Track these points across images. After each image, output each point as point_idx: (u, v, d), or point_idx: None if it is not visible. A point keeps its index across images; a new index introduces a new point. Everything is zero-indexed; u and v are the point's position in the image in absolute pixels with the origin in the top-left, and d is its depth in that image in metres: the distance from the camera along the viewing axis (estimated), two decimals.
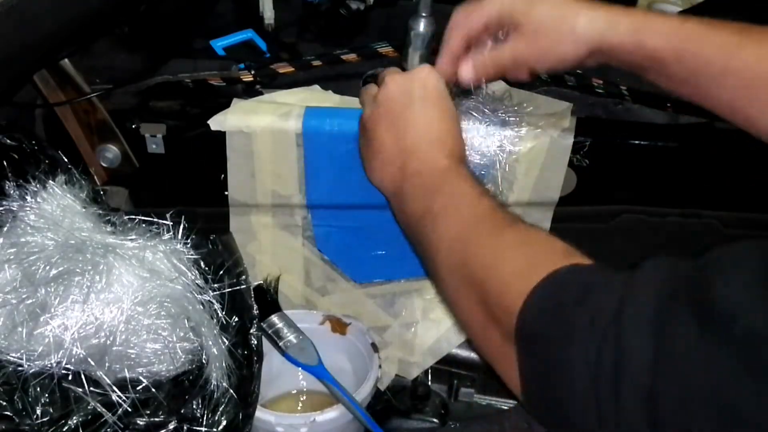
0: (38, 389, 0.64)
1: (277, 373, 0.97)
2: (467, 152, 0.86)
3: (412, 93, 0.75)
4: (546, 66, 0.75)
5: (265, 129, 0.85)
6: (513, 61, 0.75)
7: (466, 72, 0.78)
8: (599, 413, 0.47)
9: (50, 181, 0.73)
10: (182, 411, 0.68)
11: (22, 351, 0.65)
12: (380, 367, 0.91)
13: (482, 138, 0.86)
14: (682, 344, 0.44)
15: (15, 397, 0.64)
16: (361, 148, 0.81)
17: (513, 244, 0.62)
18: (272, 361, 0.92)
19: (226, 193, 0.91)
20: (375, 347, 0.93)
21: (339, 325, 0.96)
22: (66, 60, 0.86)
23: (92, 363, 0.66)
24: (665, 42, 0.68)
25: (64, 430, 0.64)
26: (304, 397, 1.01)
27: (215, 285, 0.73)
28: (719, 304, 0.43)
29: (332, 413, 0.82)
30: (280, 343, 0.89)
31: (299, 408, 1.00)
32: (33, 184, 0.72)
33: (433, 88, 0.76)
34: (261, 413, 0.79)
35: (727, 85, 0.67)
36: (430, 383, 1.06)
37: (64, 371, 0.65)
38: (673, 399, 0.44)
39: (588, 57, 0.72)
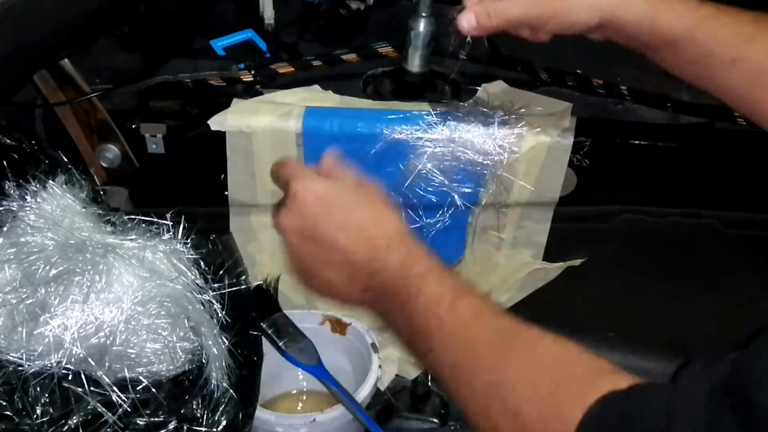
0: (38, 389, 0.64)
1: (278, 373, 0.96)
2: (467, 153, 0.87)
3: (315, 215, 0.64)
4: (554, 29, 0.71)
5: (265, 129, 0.85)
6: (521, 17, 0.70)
7: (467, 20, 0.71)
8: None
9: (50, 181, 0.73)
10: (182, 411, 0.68)
11: (22, 351, 0.65)
12: (380, 367, 0.91)
13: (482, 138, 0.86)
14: None
15: (15, 397, 0.64)
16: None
17: (542, 367, 0.52)
18: (272, 361, 0.92)
19: (226, 193, 0.91)
20: (375, 347, 0.93)
21: (339, 325, 0.96)
22: (66, 60, 0.86)
23: (92, 363, 0.65)
24: (679, 22, 0.66)
25: (64, 429, 0.64)
26: (305, 397, 1.01)
27: (215, 285, 0.73)
28: (759, 409, 0.40)
29: (332, 413, 0.82)
30: (280, 343, 0.89)
31: (299, 408, 1.00)
32: (33, 184, 0.72)
33: (358, 188, 0.66)
34: (261, 413, 0.79)
35: (736, 72, 0.66)
36: (430, 383, 1.05)
37: (64, 371, 0.65)
38: None
39: (598, 29, 0.70)
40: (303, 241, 0.65)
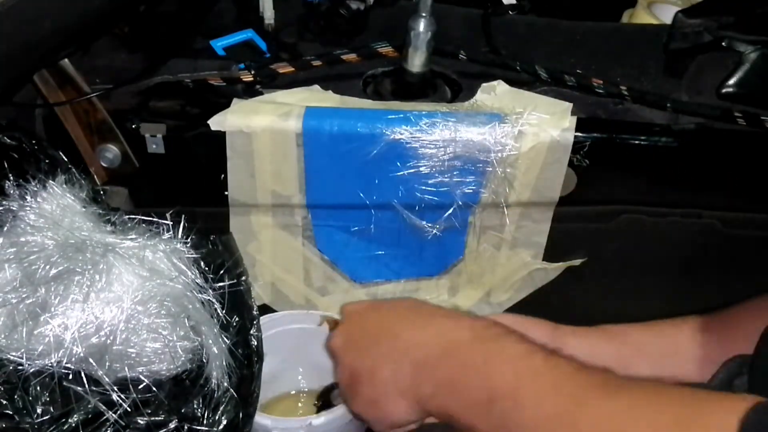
0: (38, 388, 0.64)
1: (277, 374, 0.96)
2: (467, 153, 0.87)
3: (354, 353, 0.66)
4: None
5: (265, 129, 0.85)
6: None
7: None
8: None
9: (50, 181, 0.73)
10: (183, 410, 0.68)
11: (23, 350, 0.65)
12: None
13: (482, 138, 0.86)
14: None
15: (15, 396, 0.64)
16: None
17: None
18: (272, 362, 0.92)
19: (226, 193, 0.91)
20: None
21: (336, 325, 0.96)
22: (66, 60, 0.86)
23: (92, 362, 0.65)
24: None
25: (65, 428, 0.64)
26: (304, 398, 1.01)
27: (216, 285, 0.73)
28: None
29: (329, 416, 0.82)
30: None
31: (299, 407, 1.00)
32: (33, 184, 0.72)
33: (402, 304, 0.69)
34: (258, 417, 0.79)
35: None
36: None
37: (64, 370, 0.65)
38: None
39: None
40: (353, 360, 0.66)
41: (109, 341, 0.66)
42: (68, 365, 0.65)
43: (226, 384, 0.70)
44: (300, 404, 1.01)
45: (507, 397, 0.53)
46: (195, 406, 0.69)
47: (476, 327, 0.60)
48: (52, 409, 0.64)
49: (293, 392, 1.01)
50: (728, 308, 0.76)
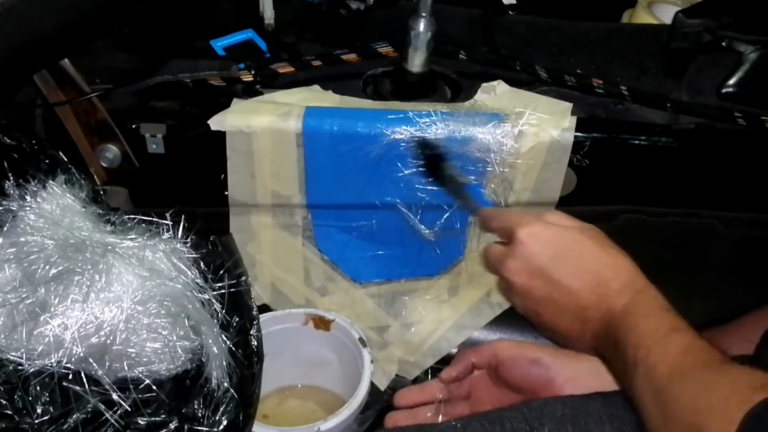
0: (38, 388, 0.64)
1: (269, 370, 0.96)
2: (467, 153, 0.87)
3: (562, 242, 0.68)
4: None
5: (265, 129, 0.85)
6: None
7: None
8: None
9: (50, 181, 0.73)
10: (183, 410, 0.68)
11: (23, 350, 0.65)
12: (372, 362, 0.90)
13: (482, 138, 0.86)
14: None
15: (15, 396, 0.64)
16: (525, 306, 0.71)
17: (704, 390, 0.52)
18: (266, 359, 0.92)
19: (226, 193, 0.91)
20: (363, 342, 0.92)
21: (322, 322, 0.96)
22: (66, 60, 0.86)
23: (92, 362, 0.65)
24: None
25: (65, 428, 0.64)
26: (298, 390, 1.02)
27: (216, 285, 0.73)
28: None
29: (336, 420, 0.82)
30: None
31: (286, 402, 1.00)
32: (33, 183, 0.72)
33: (585, 232, 0.69)
34: (262, 429, 0.80)
35: None
36: None
37: (64, 370, 0.65)
38: None
39: None
40: (533, 286, 0.68)
41: (109, 341, 0.66)
42: (68, 365, 0.65)
43: (226, 384, 0.70)
44: (293, 399, 1.01)
45: (627, 370, 0.58)
46: (195, 406, 0.69)
47: (632, 301, 0.62)
48: (52, 409, 0.64)
49: (279, 388, 1.01)
50: (726, 324, 0.77)
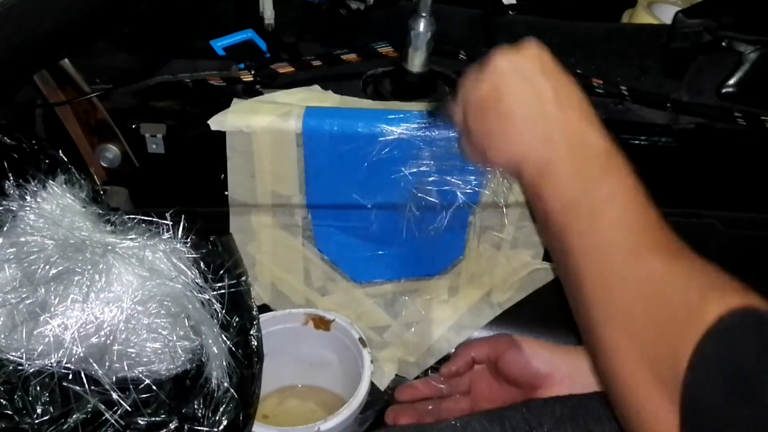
0: (38, 388, 0.64)
1: (269, 370, 0.96)
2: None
3: (534, 66, 0.65)
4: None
5: (265, 129, 0.85)
6: None
7: None
8: None
9: (50, 181, 0.73)
10: (183, 410, 0.68)
11: (22, 350, 0.65)
12: (372, 362, 0.90)
13: None
14: None
15: (15, 396, 0.64)
16: (478, 130, 0.67)
17: (683, 278, 0.51)
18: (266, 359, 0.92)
19: (226, 193, 0.91)
20: (363, 342, 0.92)
21: (322, 322, 0.96)
22: (66, 60, 0.86)
23: (92, 362, 0.65)
24: None
25: (64, 428, 0.64)
26: (298, 389, 1.02)
27: (216, 285, 0.73)
28: None
29: (336, 420, 0.82)
30: None
31: (287, 401, 1.00)
32: (33, 184, 0.72)
33: (552, 62, 0.66)
34: (262, 429, 0.80)
35: None
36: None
37: (64, 370, 0.65)
38: None
39: None
40: (498, 80, 0.65)
41: (109, 341, 0.66)
42: (68, 365, 0.65)
43: (226, 384, 0.70)
44: (293, 399, 1.01)
45: (591, 209, 0.56)
46: (195, 406, 0.69)
47: (611, 149, 0.60)
48: (52, 409, 0.64)
49: (279, 388, 1.01)
50: None
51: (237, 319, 0.75)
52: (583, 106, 0.61)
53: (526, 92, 0.63)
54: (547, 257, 0.99)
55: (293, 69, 0.92)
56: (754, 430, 0.41)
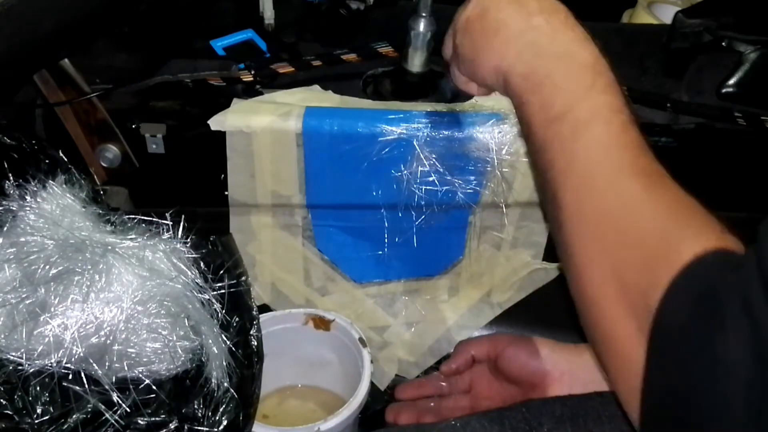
0: (38, 388, 0.64)
1: (269, 370, 0.96)
2: (468, 153, 0.87)
3: None
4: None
5: (265, 129, 0.85)
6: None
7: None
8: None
9: (50, 181, 0.73)
10: (183, 410, 0.68)
11: (22, 350, 0.65)
12: (372, 362, 0.90)
13: (482, 137, 0.86)
14: None
15: (15, 396, 0.64)
16: (466, 48, 0.68)
17: (662, 207, 0.51)
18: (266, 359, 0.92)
19: (226, 193, 0.91)
20: (363, 342, 0.92)
21: (322, 322, 0.96)
22: (66, 60, 0.86)
23: (92, 362, 0.66)
24: None
25: (65, 428, 0.64)
26: (298, 390, 1.02)
27: (215, 285, 0.73)
28: None
29: (336, 420, 0.82)
30: None
31: (287, 401, 1.00)
32: (33, 184, 0.72)
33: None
34: (262, 429, 0.80)
35: None
36: None
37: (64, 370, 0.65)
38: None
39: None
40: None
41: (109, 341, 0.66)
42: (68, 365, 0.65)
43: (226, 384, 0.70)
44: (293, 399, 1.01)
45: (574, 124, 0.55)
46: (195, 406, 0.69)
47: (599, 62, 0.59)
48: (51, 409, 0.64)
49: (279, 388, 1.01)
50: None
51: (237, 319, 0.75)
52: (569, 19, 0.62)
53: (511, 6, 0.63)
54: (547, 257, 0.99)
55: (293, 69, 0.92)
56: (715, 363, 0.41)
